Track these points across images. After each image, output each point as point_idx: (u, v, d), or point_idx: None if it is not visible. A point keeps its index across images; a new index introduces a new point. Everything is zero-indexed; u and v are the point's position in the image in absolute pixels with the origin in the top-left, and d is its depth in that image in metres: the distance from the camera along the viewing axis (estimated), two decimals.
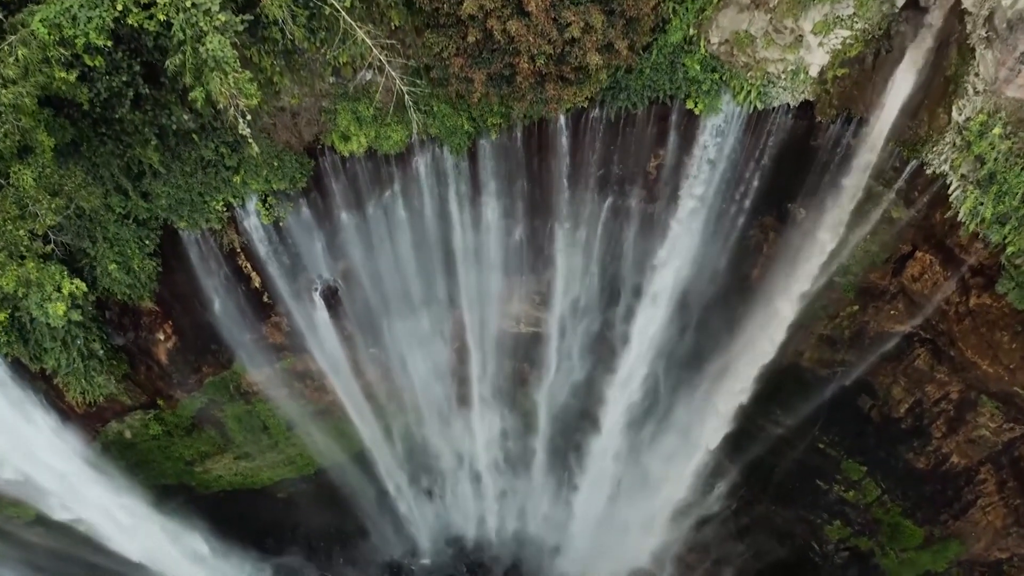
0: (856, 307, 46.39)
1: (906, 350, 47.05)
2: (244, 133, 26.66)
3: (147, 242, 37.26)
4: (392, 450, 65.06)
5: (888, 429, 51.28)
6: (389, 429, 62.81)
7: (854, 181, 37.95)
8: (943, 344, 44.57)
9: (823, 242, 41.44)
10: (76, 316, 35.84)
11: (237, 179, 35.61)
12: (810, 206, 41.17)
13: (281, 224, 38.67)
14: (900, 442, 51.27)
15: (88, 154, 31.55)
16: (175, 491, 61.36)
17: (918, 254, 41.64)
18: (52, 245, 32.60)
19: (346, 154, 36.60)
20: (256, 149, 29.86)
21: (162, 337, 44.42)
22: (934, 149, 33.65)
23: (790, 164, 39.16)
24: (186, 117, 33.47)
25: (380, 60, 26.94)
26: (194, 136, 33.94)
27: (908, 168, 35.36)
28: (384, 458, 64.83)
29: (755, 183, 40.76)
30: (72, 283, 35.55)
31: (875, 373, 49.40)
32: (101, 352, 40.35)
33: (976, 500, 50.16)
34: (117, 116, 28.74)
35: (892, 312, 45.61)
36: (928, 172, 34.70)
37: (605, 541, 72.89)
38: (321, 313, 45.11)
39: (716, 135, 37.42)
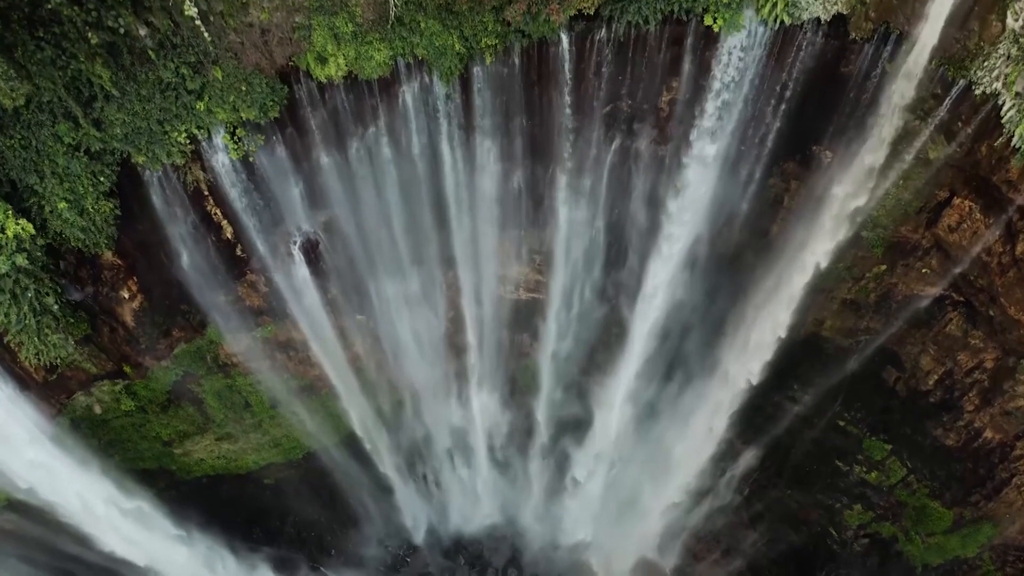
0: (883, 267, 42.70)
1: (937, 314, 43.50)
2: (191, 15, 22.61)
3: (102, 179, 33.34)
4: (384, 432, 61.26)
5: (915, 403, 47.71)
6: (380, 408, 58.97)
7: (889, 114, 34.31)
8: (981, 303, 40.79)
9: (850, 191, 37.59)
10: (21, 260, 31.90)
11: (201, 106, 31.69)
12: (837, 148, 37.51)
13: (251, 160, 34.79)
14: (928, 417, 47.61)
15: (24, 61, 27.66)
16: (154, 476, 57.35)
17: (956, 200, 37.98)
18: None
19: (323, 80, 32.69)
20: (207, 37, 25.75)
21: (126, 295, 40.48)
22: (984, 64, 29.79)
23: (817, 97, 35.50)
24: (143, 32, 29.51)
25: None
26: (151, 53, 30.07)
27: (953, 91, 31.51)
28: (375, 441, 60.98)
29: (777, 122, 37.06)
30: (18, 223, 31.67)
31: (902, 342, 45.83)
32: (55, 307, 36.38)
33: (1011, 478, 46.37)
34: (50, 7, 24.67)
35: (923, 270, 41.86)
36: (976, 93, 30.89)
37: (609, 529, 68.95)
38: (301, 270, 41.16)
39: (737, 60, 33.37)
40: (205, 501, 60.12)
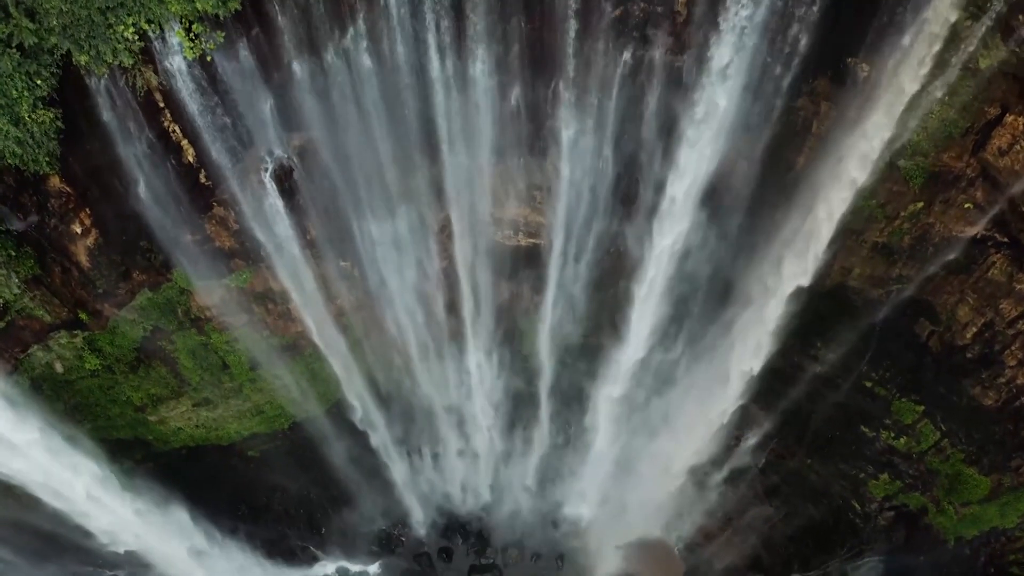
0: (920, 203, 39.14)
1: (978, 258, 40.28)
2: None
3: (39, 82, 29.07)
4: (374, 398, 57.53)
5: (950, 360, 44.28)
6: (369, 371, 54.83)
7: (936, 13, 29.53)
8: None
9: (889, 110, 33.55)
10: None
11: None
12: (875, 59, 33.70)
13: (210, 60, 30.45)
14: (965, 375, 44.21)
15: None
16: (130, 447, 53.37)
17: (1008, 118, 34.22)
18: None
19: None
20: None
21: (79, 230, 36.26)
22: None
23: None
24: None
25: None
26: None
27: None
28: (365, 408, 57.37)
29: (808, 28, 32.63)
30: None
31: (937, 291, 42.54)
32: None
33: None
34: None
35: (966, 205, 38.37)
36: None
37: (615, 504, 65.30)
38: (274, 202, 36.83)
39: None
40: (185, 475, 55.94)
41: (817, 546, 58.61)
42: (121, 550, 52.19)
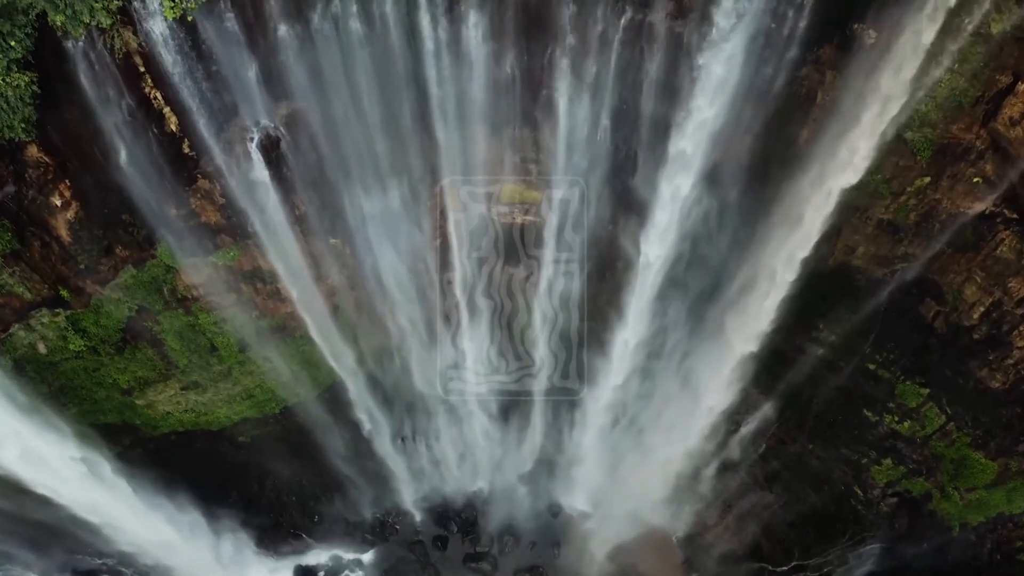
0: (927, 178, 38.19)
1: (986, 235, 39.26)
2: None
3: (13, 43, 27.85)
4: (368, 383, 56.26)
5: (957, 341, 43.23)
6: (362, 355, 53.72)
7: None
8: None
9: (896, 78, 32.61)
10: None
11: None
12: (883, 25, 32.55)
13: (191, 20, 29.15)
14: (971, 356, 43.16)
15: None
16: (118, 432, 52.20)
17: (1020, 86, 33.25)
18: None
19: None
20: None
21: (58, 202, 35.02)
22: None
23: None
24: None
25: None
26: None
27: None
28: (359, 393, 56.25)
29: None
30: None
31: (943, 270, 41.61)
32: None
33: None
34: None
35: (975, 180, 37.46)
36: None
37: (612, 494, 64.37)
38: (260, 173, 35.63)
39: None
40: (175, 461, 54.80)
41: (818, 533, 57.77)
42: (149, 561, 51.54)
